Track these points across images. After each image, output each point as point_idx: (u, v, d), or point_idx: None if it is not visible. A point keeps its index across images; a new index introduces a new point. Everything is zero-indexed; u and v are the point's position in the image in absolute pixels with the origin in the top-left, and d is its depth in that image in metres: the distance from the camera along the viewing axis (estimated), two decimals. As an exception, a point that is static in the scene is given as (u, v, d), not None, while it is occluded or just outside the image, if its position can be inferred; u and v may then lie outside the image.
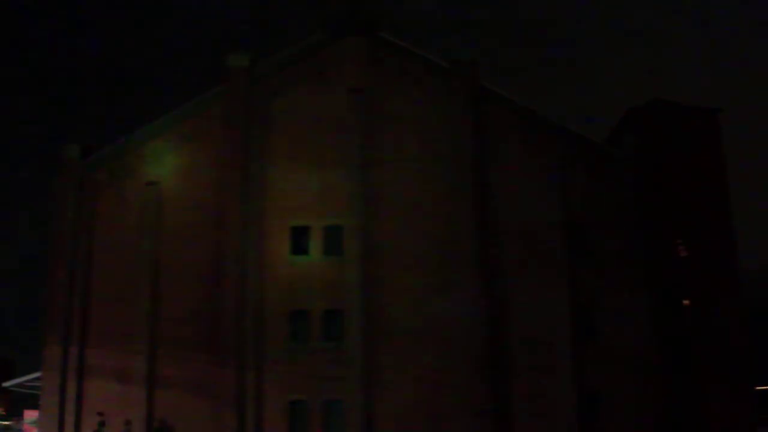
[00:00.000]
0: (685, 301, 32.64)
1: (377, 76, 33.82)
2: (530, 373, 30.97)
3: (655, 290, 32.09)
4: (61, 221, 32.61)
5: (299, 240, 32.19)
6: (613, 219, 32.85)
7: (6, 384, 38.13)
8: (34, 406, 39.44)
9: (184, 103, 33.85)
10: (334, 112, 33.25)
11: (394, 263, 31.74)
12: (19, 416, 51.68)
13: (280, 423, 30.41)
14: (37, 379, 33.32)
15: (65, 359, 31.19)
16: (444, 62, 33.99)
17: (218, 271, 31.38)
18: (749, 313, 35.86)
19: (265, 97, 33.58)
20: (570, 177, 33.13)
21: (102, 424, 29.14)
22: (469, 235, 31.82)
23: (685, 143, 35.22)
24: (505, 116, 33.70)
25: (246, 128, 32.96)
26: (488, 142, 33.16)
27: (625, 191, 33.17)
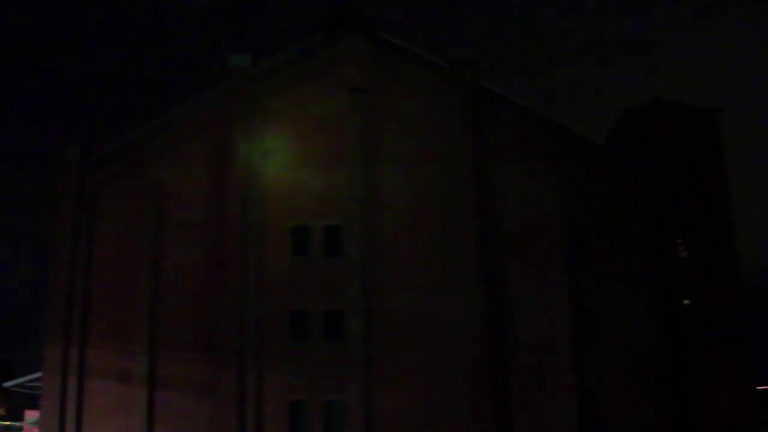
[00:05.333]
0: (685, 301, 32.61)
1: (377, 76, 33.82)
2: (530, 373, 30.98)
3: (655, 290, 32.09)
4: (61, 221, 32.60)
5: (299, 240, 32.19)
6: (613, 219, 32.87)
7: (6, 384, 38.09)
8: (35, 407, 39.49)
9: (185, 103, 33.87)
10: (334, 112, 33.26)
11: (394, 263, 31.74)
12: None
13: (280, 423, 30.40)
14: (38, 379, 33.30)
15: (65, 359, 31.14)
16: (444, 62, 33.99)
17: (218, 271, 31.38)
18: (749, 313, 35.82)
19: (265, 97, 33.58)
20: (570, 177, 33.14)
21: None
22: (469, 235, 31.82)
23: (685, 143, 35.18)
24: (505, 116, 33.71)
25: (246, 128, 32.97)
26: (488, 142, 33.16)
27: (625, 191, 33.19)
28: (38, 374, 33.05)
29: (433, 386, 30.59)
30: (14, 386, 37.19)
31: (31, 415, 45.57)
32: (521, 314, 31.53)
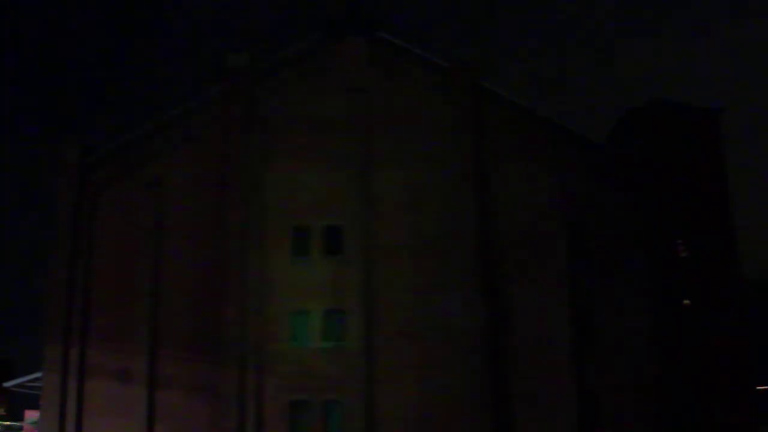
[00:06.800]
0: (685, 301, 32.62)
1: (377, 76, 33.81)
2: (530, 373, 30.95)
3: (655, 290, 32.07)
4: (61, 221, 32.61)
5: (299, 240, 32.18)
6: (613, 219, 32.86)
7: (6, 384, 38.12)
8: (35, 407, 39.48)
9: (184, 103, 33.88)
10: (334, 112, 33.25)
11: (394, 263, 31.72)
12: None
13: (280, 423, 30.40)
14: (38, 379, 33.32)
15: (65, 359, 31.18)
16: (444, 62, 33.98)
17: (218, 271, 31.37)
18: (749, 313, 35.81)
19: (265, 97, 33.58)
20: (570, 177, 33.12)
21: None
22: (469, 235, 31.82)
23: (685, 143, 35.17)
24: (505, 116, 33.70)
25: (246, 128, 32.96)
26: (488, 142, 33.15)
27: (625, 191, 33.17)
28: (38, 374, 33.06)
29: (433, 386, 30.57)
30: (14, 386, 37.21)
31: (31, 415, 45.55)
32: (521, 314, 31.52)
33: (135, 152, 33.53)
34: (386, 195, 32.47)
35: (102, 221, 32.81)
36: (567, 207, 32.75)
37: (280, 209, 32.30)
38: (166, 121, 33.65)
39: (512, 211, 32.52)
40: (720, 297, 33.46)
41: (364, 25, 34.34)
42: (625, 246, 32.52)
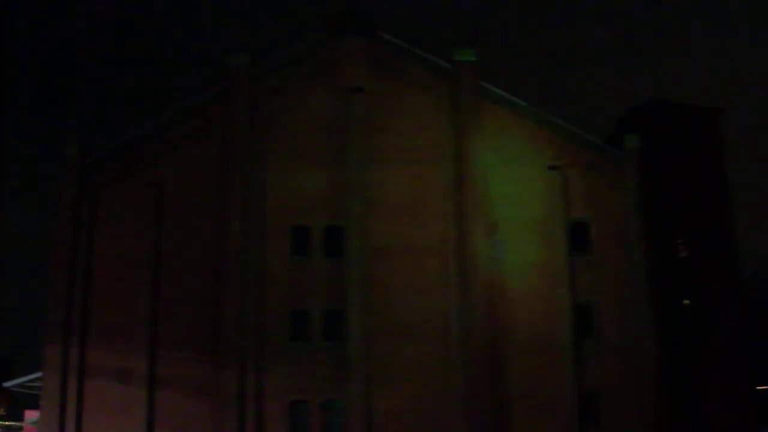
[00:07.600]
0: (685, 301, 32.65)
1: (377, 76, 33.82)
2: (530, 372, 30.98)
3: (655, 290, 32.10)
4: (61, 221, 32.60)
5: (299, 240, 32.19)
6: (613, 219, 32.86)
7: (6, 384, 38.09)
8: (35, 407, 39.48)
9: (184, 103, 33.87)
10: (334, 112, 33.27)
11: (394, 263, 31.74)
12: None
13: (280, 423, 30.42)
14: (38, 379, 33.30)
15: (65, 359, 31.16)
16: (444, 62, 34.00)
17: (218, 271, 31.38)
18: (749, 313, 35.86)
19: (265, 97, 33.58)
20: (570, 177, 33.14)
21: None
22: (469, 234, 31.82)
23: (685, 143, 35.22)
24: (505, 116, 33.71)
25: (246, 128, 32.97)
26: (488, 142, 33.16)
27: (625, 191, 33.18)
28: (38, 374, 33.04)
29: (432, 386, 30.59)
30: (14, 386, 37.18)
31: (31, 415, 45.51)
32: (521, 314, 31.53)
33: (135, 152, 33.51)
34: (386, 195, 32.49)
35: (102, 221, 32.80)
36: (567, 207, 32.76)
37: (280, 209, 32.31)
38: (165, 121, 33.64)
39: (512, 211, 32.54)
40: (720, 297, 33.51)
41: (364, 25, 34.35)
42: (625, 246, 32.52)
